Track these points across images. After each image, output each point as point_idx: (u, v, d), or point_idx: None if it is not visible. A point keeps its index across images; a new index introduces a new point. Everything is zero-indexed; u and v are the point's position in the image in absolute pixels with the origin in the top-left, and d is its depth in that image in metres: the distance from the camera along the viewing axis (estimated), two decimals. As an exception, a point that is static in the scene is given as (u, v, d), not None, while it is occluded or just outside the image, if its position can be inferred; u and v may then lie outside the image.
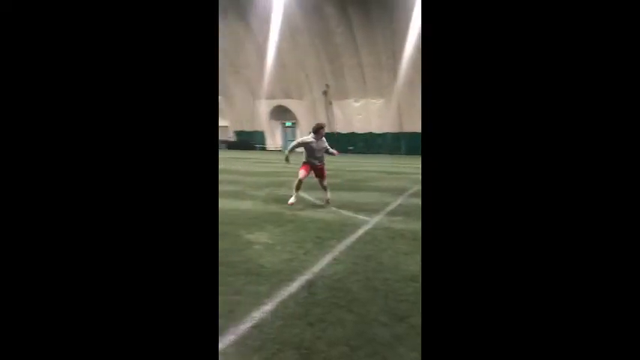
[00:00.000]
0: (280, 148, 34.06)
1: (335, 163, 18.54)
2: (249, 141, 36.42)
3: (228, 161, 18.00)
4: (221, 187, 8.67)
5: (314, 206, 6.50)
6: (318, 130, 6.40)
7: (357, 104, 32.61)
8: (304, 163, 6.50)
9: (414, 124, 29.96)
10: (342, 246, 4.06)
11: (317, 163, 6.49)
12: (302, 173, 6.37)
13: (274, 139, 36.32)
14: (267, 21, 30.58)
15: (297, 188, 6.41)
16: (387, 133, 32.00)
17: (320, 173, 6.57)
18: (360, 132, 33.11)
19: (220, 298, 2.67)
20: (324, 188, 6.64)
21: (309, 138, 6.37)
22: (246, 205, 6.51)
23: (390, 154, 30.48)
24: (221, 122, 38.97)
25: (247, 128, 37.44)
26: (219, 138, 38.01)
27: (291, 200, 6.36)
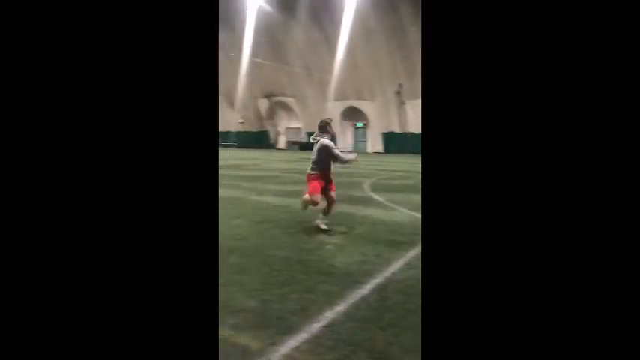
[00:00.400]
0: (350, 149, 34.12)
1: (408, 164, 18.15)
2: (320, 142, 36.94)
3: (299, 162, 18.41)
4: (293, 187, 8.90)
5: (386, 208, 6.40)
6: (325, 126, 4.95)
7: (430, 104, 31.63)
8: (316, 174, 4.88)
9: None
10: (415, 250, 3.95)
11: (327, 167, 4.96)
12: (318, 196, 4.83)
13: (345, 140, 36.45)
14: (339, 21, 30.80)
15: (323, 208, 4.97)
16: (462, 134, 30.59)
17: (329, 179, 5.01)
18: (433, 132, 32.07)
19: (292, 295, 2.74)
20: (331, 201, 4.95)
21: (329, 141, 4.91)
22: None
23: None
24: (294, 124, 40.07)
25: (320, 129, 38.03)
26: (292, 139, 39.16)
27: (323, 225, 4.85)
